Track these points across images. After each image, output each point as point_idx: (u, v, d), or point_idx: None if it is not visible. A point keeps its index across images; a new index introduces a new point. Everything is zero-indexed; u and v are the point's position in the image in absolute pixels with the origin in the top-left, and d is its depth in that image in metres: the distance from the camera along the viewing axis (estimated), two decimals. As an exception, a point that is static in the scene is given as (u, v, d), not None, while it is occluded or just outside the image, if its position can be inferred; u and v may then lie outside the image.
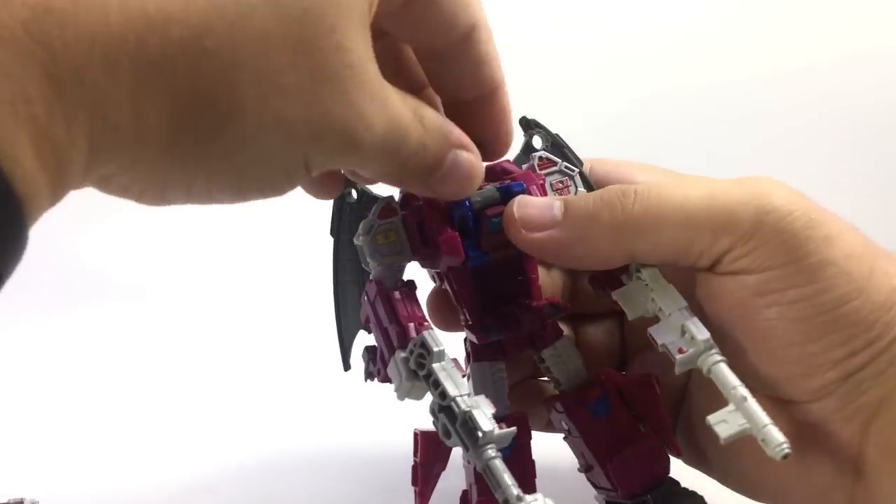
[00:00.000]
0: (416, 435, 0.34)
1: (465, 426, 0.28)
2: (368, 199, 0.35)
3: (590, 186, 0.35)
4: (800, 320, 0.29)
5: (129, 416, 0.53)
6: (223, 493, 0.44)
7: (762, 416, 0.28)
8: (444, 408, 0.28)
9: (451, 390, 0.28)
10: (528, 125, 0.37)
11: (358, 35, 0.25)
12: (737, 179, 0.31)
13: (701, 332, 0.29)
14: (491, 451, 0.27)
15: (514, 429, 0.28)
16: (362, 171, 0.30)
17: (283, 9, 0.23)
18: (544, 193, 0.34)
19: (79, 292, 0.72)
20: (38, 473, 0.46)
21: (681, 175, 0.34)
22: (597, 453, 0.34)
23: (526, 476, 0.33)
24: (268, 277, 0.71)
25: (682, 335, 0.30)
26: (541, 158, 0.35)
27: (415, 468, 0.32)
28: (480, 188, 0.32)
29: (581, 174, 0.35)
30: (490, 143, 0.32)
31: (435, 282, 0.36)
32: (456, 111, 0.31)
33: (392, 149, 0.27)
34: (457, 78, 0.31)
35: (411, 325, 0.31)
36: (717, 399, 0.29)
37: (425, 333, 0.30)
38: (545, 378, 0.36)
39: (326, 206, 0.37)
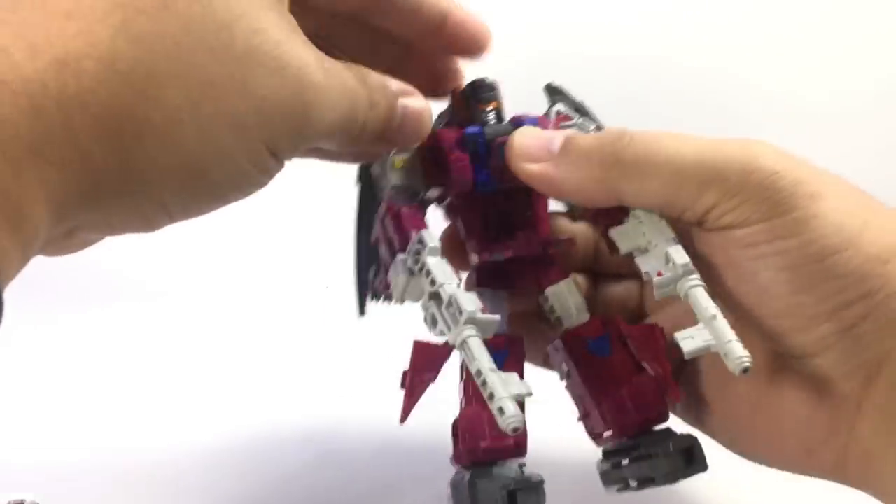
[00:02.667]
0: (413, 344, 0.34)
1: (449, 308, 0.29)
2: None
3: None
4: (787, 269, 0.29)
5: (141, 418, 0.52)
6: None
7: (727, 333, 0.28)
8: (433, 294, 0.29)
9: (440, 278, 0.29)
10: (553, 91, 0.39)
11: (271, 12, 0.26)
12: (730, 139, 0.31)
13: (681, 258, 0.30)
14: (471, 331, 0.28)
15: (497, 316, 0.29)
16: (326, 144, 0.31)
17: (188, 11, 0.24)
18: None
19: (91, 293, 0.70)
20: (44, 473, 0.45)
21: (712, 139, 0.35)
22: (592, 391, 0.33)
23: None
24: (278, 275, 0.70)
25: (666, 263, 0.30)
26: (558, 112, 0.36)
27: (405, 374, 0.33)
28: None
29: (598, 129, 0.37)
30: (469, 44, 0.34)
31: (447, 220, 0.37)
32: (422, 50, 0.34)
33: (346, 114, 0.29)
34: (408, 24, 0.33)
35: (412, 230, 0.32)
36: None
37: (423, 231, 0.31)
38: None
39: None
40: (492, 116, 0.35)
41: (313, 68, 0.27)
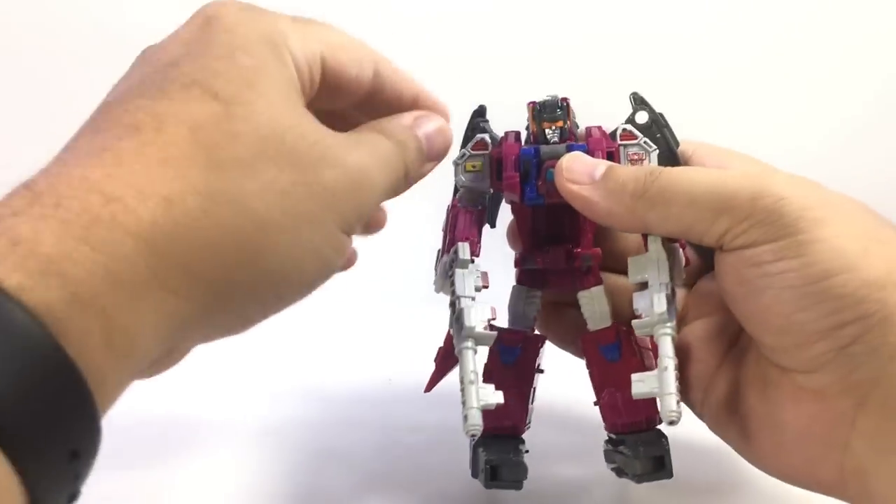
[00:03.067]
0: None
1: (457, 319, 0.35)
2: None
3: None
4: (789, 289, 0.32)
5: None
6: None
7: (670, 386, 0.32)
8: (451, 303, 0.36)
9: (458, 290, 0.36)
10: (637, 101, 0.41)
11: (304, 116, 0.30)
12: (749, 172, 0.35)
13: (659, 307, 0.34)
14: (468, 343, 0.34)
15: (494, 333, 0.35)
16: (390, 198, 0.35)
17: (252, 133, 0.28)
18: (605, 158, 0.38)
19: None
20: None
21: (767, 165, 0.38)
22: (597, 388, 0.39)
23: (519, 385, 0.40)
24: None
25: (650, 306, 0.35)
26: (624, 130, 0.39)
27: (439, 350, 0.40)
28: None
29: (659, 153, 0.39)
30: None
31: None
32: None
33: (393, 172, 0.33)
34: (391, 104, 0.37)
35: (459, 238, 0.38)
36: (756, 377, 0.35)
37: (460, 243, 0.37)
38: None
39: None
40: (555, 135, 0.39)
41: (354, 150, 0.31)
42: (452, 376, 0.39)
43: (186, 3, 0.32)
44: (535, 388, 0.41)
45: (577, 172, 0.36)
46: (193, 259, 0.26)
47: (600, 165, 0.36)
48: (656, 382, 0.33)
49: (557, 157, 0.38)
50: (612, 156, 0.39)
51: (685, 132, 0.41)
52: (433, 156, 0.36)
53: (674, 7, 0.87)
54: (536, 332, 0.42)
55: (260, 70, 0.30)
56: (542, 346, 0.41)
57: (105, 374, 0.24)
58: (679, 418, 0.32)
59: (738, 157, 0.40)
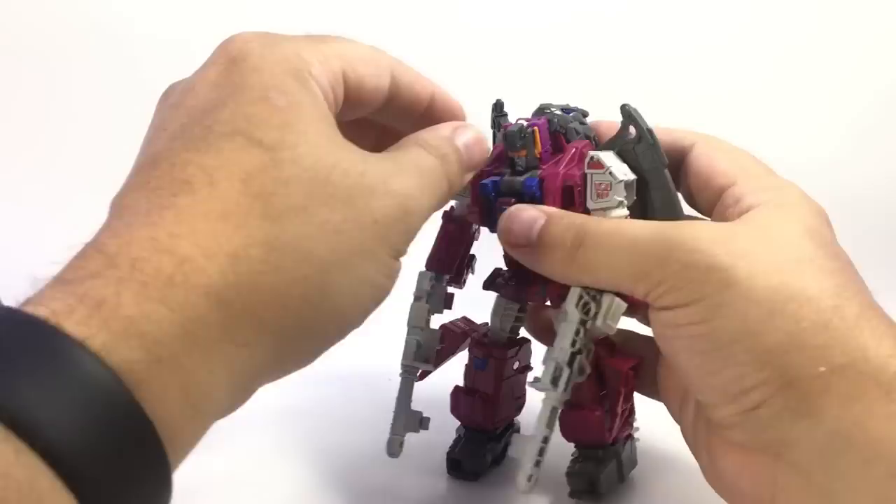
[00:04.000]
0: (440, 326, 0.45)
1: (405, 347, 0.41)
2: None
3: (631, 196, 0.38)
4: (699, 354, 0.33)
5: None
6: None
7: (530, 458, 0.35)
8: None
9: (409, 321, 0.41)
10: (626, 115, 0.39)
11: (345, 147, 0.31)
12: (663, 225, 0.34)
13: (545, 376, 0.36)
14: (405, 374, 0.41)
15: (428, 366, 0.41)
16: (434, 212, 0.35)
17: (301, 178, 0.28)
18: (559, 195, 0.38)
19: None
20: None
21: (753, 170, 0.38)
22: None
23: (489, 390, 0.44)
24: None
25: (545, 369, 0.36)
26: (591, 158, 0.38)
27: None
28: (521, 174, 0.39)
29: (627, 184, 0.38)
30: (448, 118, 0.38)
31: None
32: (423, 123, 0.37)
33: (436, 189, 0.34)
34: (408, 107, 0.37)
35: (444, 262, 0.42)
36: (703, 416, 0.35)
37: (422, 272, 0.41)
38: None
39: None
40: (521, 163, 0.39)
41: (399, 176, 0.32)
42: (453, 373, 0.45)
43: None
44: (521, 385, 0.45)
45: (514, 234, 0.37)
46: (261, 310, 0.27)
47: (539, 220, 0.36)
48: (524, 448, 0.36)
49: (513, 191, 0.39)
50: (571, 189, 0.38)
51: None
52: (472, 166, 0.37)
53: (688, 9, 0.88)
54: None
55: (295, 108, 0.30)
56: (528, 348, 0.45)
57: (179, 431, 0.25)
58: (526, 492, 0.35)
59: (739, 155, 0.39)
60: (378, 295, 0.31)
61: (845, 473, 0.30)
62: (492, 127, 0.43)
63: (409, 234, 0.32)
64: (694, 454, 0.38)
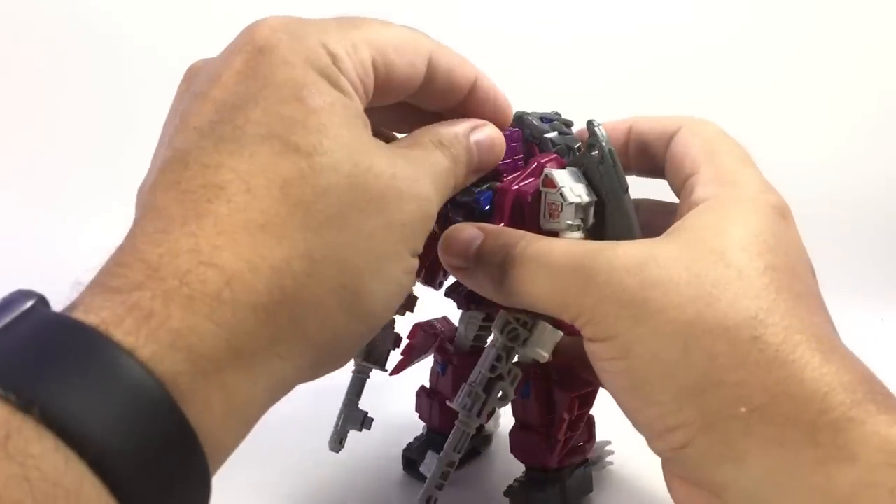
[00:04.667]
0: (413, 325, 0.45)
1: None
2: None
3: (588, 219, 0.36)
4: (622, 390, 0.32)
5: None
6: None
7: (431, 481, 0.35)
8: None
9: None
10: (590, 133, 0.37)
11: (375, 150, 0.30)
12: (588, 251, 0.32)
13: (459, 400, 0.36)
14: (356, 373, 0.41)
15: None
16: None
17: (336, 184, 0.28)
18: (508, 211, 0.36)
19: None
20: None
21: (714, 162, 0.36)
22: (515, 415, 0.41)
23: (448, 394, 0.43)
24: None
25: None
26: (546, 176, 0.36)
27: (408, 343, 0.45)
28: (482, 186, 0.38)
29: (580, 206, 0.36)
30: (492, 117, 0.37)
31: None
32: (461, 109, 0.36)
33: (446, 187, 0.33)
34: (445, 93, 0.35)
35: None
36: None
37: None
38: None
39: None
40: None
41: (421, 180, 0.32)
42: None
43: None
44: None
45: (454, 254, 0.36)
46: (303, 322, 0.27)
47: (476, 240, 0.35)
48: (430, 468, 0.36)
49: (467, 205, 0.38)
50: (522, 207, 0.37)
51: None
52: (479, 168, 0.36)
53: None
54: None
55: (329, 110, 0.29)
56: None
57: (220, 441, 0.25)
58: None
59: (714, 141, 0.37)
60: (403, 293, 0.31)
61: None
62: None
63: (427, 234, 0.32)
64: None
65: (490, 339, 0.36)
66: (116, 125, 0.87)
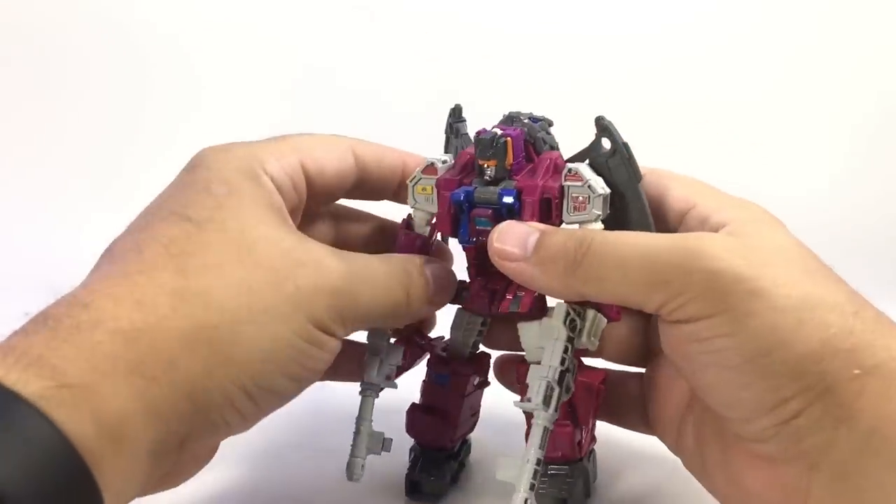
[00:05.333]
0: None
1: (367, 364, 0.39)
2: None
3: (606, 210, 0.37)
4: (729, 368, 0.32)
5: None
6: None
7: (525, 483, 0.34)
8: None
9: (368, 336, 0.39)
10: (601, 128, 0.38)
11: (282, 229, 0.34)
12: (679, 236, 0.34)
13: (537, 396, 0.35)
14: (365, 393, 0.39)
15: (393, 383, 0.39)
16: (381, 321, 0.38)
17: (224, 242, 0.32)
18: (537, 208, 0.37)
19: None
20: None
21: (708, 191, 0.38)
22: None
23: (448, 407, 0.42)
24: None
25: (535, 389, 0.35)
26: (570, 170, 0.37)
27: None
28: (490, 184, 0.38)
29: (604, 198, 0.37)
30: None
31: None
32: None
33: (385, 286, 0.36)
34: (384, 179, 0.41)
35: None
36: (713, 418, 0.35)
37: None
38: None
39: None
40: (491, 172, 0.38)
41: (340, 260, 0.34)
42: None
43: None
44: (478, 401, 0.44)
45: (509, 249, 0.35)
46: (167, 350, 0.29)
47: (532, 235, 0.35)
48: (516, 472, 0.34)
49: (487, 201, 0.37)
50: (549, 203, 0.37)
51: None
52: (437, 299, 0.38)
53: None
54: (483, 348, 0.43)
55: (233, 195, 0.34)
56: (487, 363, 0.43)
57: (103, 455, 0.26)
58: None
59: (689, 181, 0.39)
60: (304, 362, 0.33)
61: (882, 470, 0.30)
62: (447, 132, 0.42)
63: (340, 312, 0.33)
64: (701, 478, 0.38)
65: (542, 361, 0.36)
66: (115, 124, 0.88)
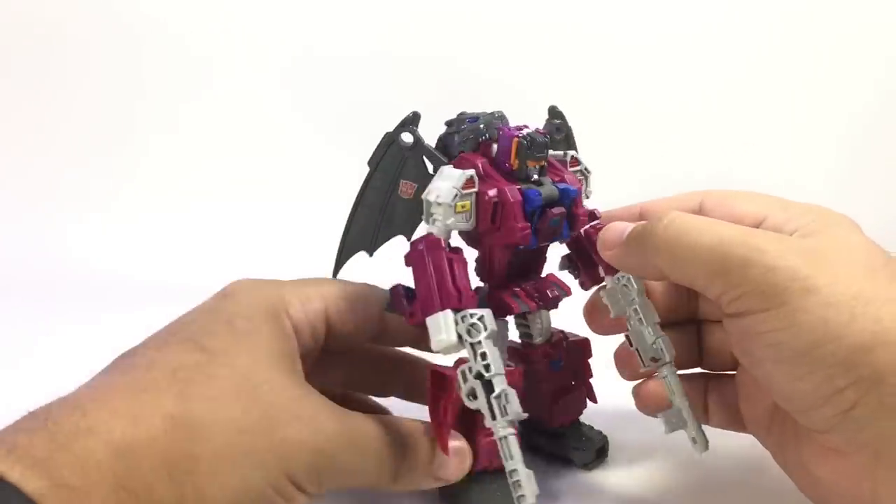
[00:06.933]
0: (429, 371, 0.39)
1: (498, 399, 0.34)
2: (423, 151, 0.39)
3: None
4: (784, 361, 0.33)
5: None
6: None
7: (693, 422, 0.39)
8: (483, 378, 0.34)
9: (495, 367, 0.34)
10: (553, 115, 0.42)
11: (289, 379, 0.35)
12: (746, 230, 0.35)
13: (669, 351, 0.40)
14: (510, 430, 0.34)
15: (525, 414, 0.34)
16: (363, 482, 0.36)
17: (225, 377, 0.33)
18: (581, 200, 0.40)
19: (108, 299, 0.76)
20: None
21: (777, 203, 0.39)
22: (545, 396, 0.43)
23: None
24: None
25: (652, 346, 0.40)
26: (572, 157, 0.41)
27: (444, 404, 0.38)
28: (540, 183, 0.38)
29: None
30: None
31: (467, 241, 0.40)
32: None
33: (372, 458, 0.36)
34: (408, 332, 0.41)
35: (467, 294, 0.36)
36: (790, 430, 0.37)
37: (486, 313, 0.35)
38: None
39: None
40: (535, 173, 0.38)
41: (326, 418, 0.34)
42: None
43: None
44: None
45: (610, 242, 0.39)
46: (151, 471, 0.30)
47: (626, 230, 0.38)
48: (683, 421, 0.40)
49: (554, 200, 0.38)
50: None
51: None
52: (450, 474, 0.38)
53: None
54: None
55: (252, 333, 0.36)
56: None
57: None
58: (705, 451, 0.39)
59: (751, 195, 0.41)
60: None
61: None
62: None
63: (318, 472, 0.34)
64: (786, 471, 0.39)
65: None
66: (112, 124, 0.92)
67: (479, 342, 0.35)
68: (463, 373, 0.35)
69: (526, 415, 0.34)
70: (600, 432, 0.46)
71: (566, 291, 0.42)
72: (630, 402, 0.44)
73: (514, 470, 0.33)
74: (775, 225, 0.38)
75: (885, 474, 0.33)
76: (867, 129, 0.93)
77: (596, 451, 0.45)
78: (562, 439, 0.45)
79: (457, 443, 0.38)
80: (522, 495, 0.33)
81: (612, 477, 0.45)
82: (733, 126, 0.91)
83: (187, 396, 0.32)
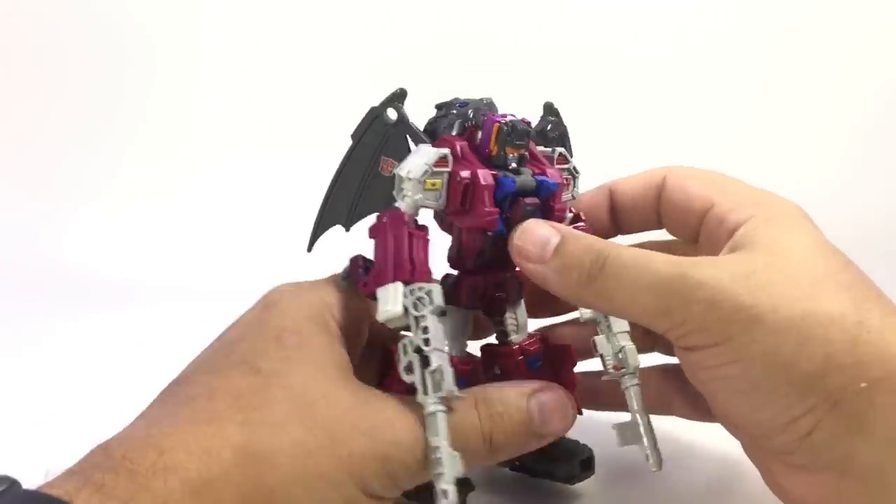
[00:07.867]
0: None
1: (433, 374, 0.33)
2: (407, 129, 0.38)
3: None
4: (738, 393, 0.33)
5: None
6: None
7: (650, 439, 0.37)
8: (421, 352, 0.34)
9: (434, 342, 0.34)
10: (549, 112, 0.41)
11: (342, 387, 0.34)
12: (683, 263, 0.34)
13: (633, 361, 0.38)
14: (441, 406, 0.33)
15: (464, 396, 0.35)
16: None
17: (288, 398, 0.33)
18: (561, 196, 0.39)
19: (102, 298, 0.75)
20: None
21: (728, 188, 0.39)
22: None
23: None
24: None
25: (617, 354, 0.38)
26: (560, 154, 0.40)
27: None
28: (518, 172, 0.37)
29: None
30: None
31: (440, 226, 0.40)
32: None
33: (464, 434, 0.34)
34: None
35: (421, 269, 0.36)
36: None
37: (434, 287, 0.35)
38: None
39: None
40: (514, 161, 0.37)
41: (385, 422, 0.33)
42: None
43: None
44: None
45: (529, 252, 0.36)
46: (227, 502, 0.30)
47: (553, 238, 0.35)
48: (636, 436, 0.38)
49: (531, 191, 0.37)
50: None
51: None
52: (546, 431, 0.37)
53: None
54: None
55: (302, 348, 0.35)
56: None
57: None
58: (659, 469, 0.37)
59: (709, 176, 0.40)
60: None
61: None
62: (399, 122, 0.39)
63: (392, 477, 0.33)
64: (758, 469, 0.38)
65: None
66: (96, 122, 0.93)
67: (424, 315, 0.34)
68: (404, 346, 0.34)
69: (462, 395, 0.33)
70: (585, 445, 0.43)
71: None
72: (618, 415, 0.41)
73: (437, 447, 0.32)
74: (720, 215, 0.38)
75: (852, 489, 0.32)
76: (867, 129, 0.92)
77: (580, 463, 0.42)
78: (543, 452, 0.41)
79: (548, 394, 0.37)
80: (440, 473, 0.32)
81: (597, 491, 0.43)
82: (733, 126, 0.90)
83: (251, 424, 0.32)
